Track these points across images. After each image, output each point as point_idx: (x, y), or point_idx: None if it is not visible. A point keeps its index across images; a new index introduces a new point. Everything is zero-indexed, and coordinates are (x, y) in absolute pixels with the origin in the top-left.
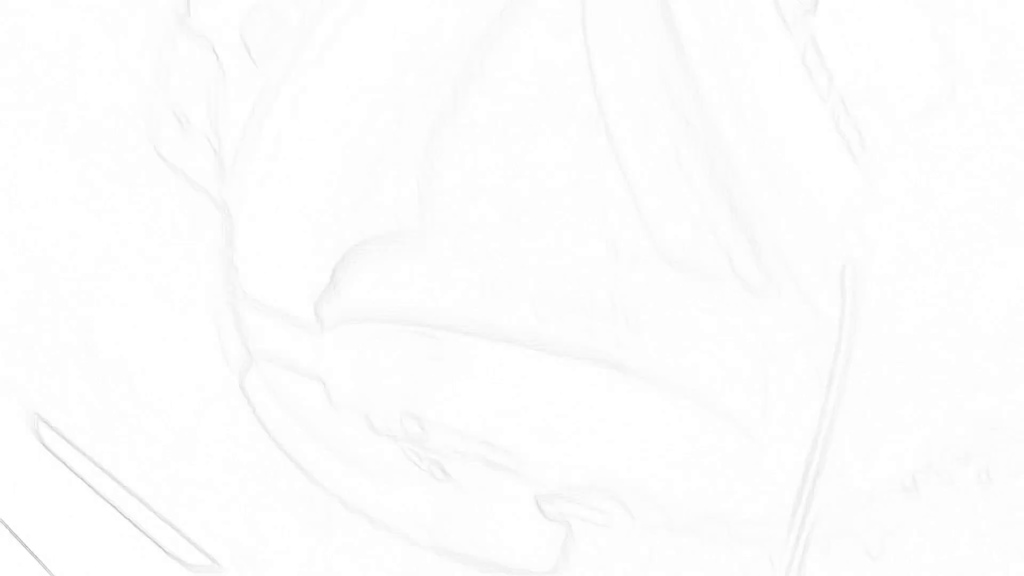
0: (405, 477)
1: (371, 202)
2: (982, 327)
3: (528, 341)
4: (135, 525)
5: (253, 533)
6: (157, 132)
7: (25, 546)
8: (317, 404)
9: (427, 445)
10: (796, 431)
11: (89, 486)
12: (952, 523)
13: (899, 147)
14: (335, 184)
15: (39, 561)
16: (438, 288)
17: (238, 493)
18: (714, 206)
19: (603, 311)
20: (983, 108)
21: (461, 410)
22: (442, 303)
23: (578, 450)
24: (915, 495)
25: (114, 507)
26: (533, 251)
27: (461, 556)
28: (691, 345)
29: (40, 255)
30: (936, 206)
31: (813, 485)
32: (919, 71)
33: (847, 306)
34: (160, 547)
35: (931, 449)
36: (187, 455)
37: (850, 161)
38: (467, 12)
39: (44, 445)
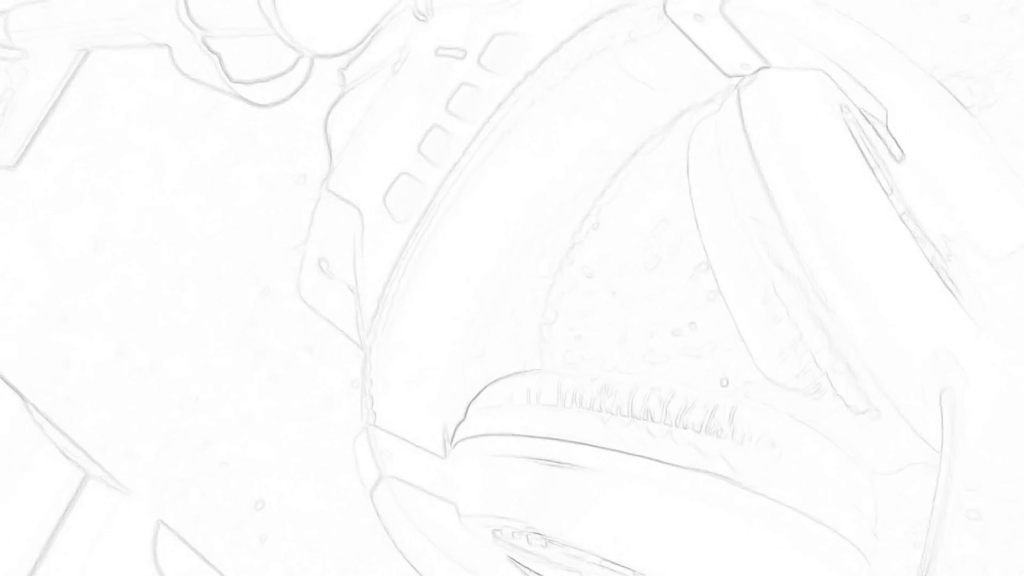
0: None
1: (494, 342)
2: None
3: (641, 453)
4: None
5: None
6: (303, 279)
7: None
8: (441, 519)
9: (550, 558)
10: (905, 550)
11: None
12: None
13: (996, 281)
14: (462, 326)
15: None
16: (562, 410)
17: None
18: (811, 336)
19: (711, 428)
20: None
21: (581, 526)
22: (566, 422)
23: (693, 565)
24: None
25: None
26: (645, 375)
27: None
28: (795, 461)
29: (185, 388)
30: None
31: None
32: (1009, 210)
33: (947, 430)
34: None
35: None
36: (314, 566)
37: (945, 293)
38: (585, 170)
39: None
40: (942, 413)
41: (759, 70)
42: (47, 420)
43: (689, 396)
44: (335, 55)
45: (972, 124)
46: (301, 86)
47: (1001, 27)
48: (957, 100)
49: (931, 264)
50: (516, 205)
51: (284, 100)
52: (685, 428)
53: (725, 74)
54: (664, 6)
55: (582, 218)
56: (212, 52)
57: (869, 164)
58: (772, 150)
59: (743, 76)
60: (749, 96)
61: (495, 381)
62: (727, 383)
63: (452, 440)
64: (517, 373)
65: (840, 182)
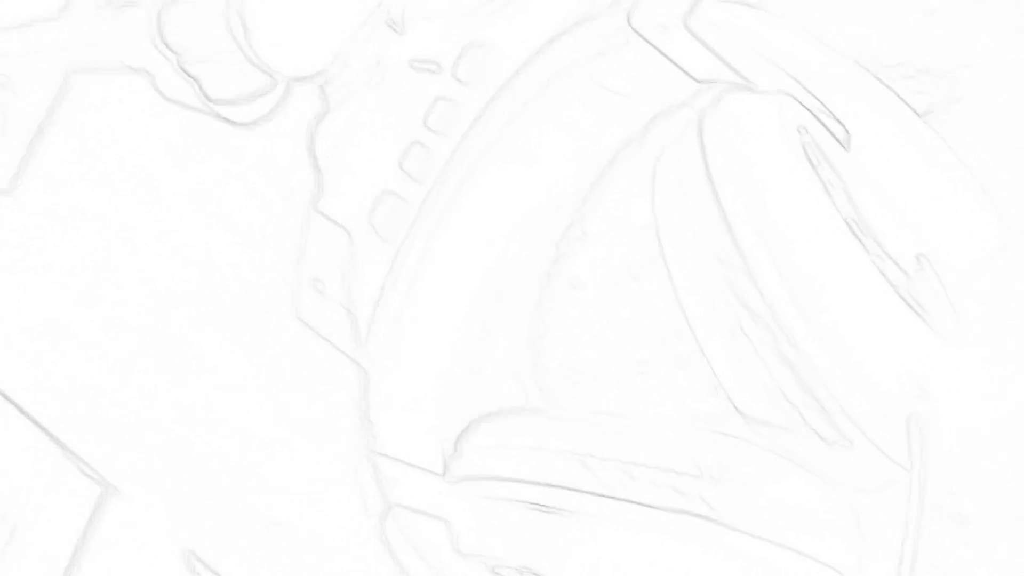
0: None
1: (489, 357)
2: None
3: (624, 496)
4: None
5: None
6: (299, 300)
7: None
8: (446, 548)
9: None
10: (887, 570)
11: None
12: None
13: (962, 291)
14: (455, 345)
15: None
16: (546, 454)
17: None
18: (780, 373)
19: (688, 470)
20: None
21: (571, 563)
22: (550, 467)
23: None
24: None
25: None
26: (625, 416)
27: None
28: (773, 494)
29: (193, 409)
30: (1001, 350)
31: None
32: (972, 222)
33: (916, 454)
34: None
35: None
36: None
37: (908, 316)
38: (564, 180)
39: None
40: (909, 438)
41: (723, 92)
42: (55, 441)
43: (666, 437)
44: (307, 77)
45: (932, 137)
46: (279, 105)
47: (967, 19)
48: (915, 112)
49: (894, 286)
50: (499, 219)
51: (263, 119)
52: (663, 471)
53: (695, 79)
54: (629, 19)
55: (566, 228)
56: (190, 76)
57: (827, 189)
58: (732, 188)
59: (713, 82)
60: (710, 127)
61: (486, 416)
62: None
63: (447, 474)
64: (505, 412)
65: (798, 217)
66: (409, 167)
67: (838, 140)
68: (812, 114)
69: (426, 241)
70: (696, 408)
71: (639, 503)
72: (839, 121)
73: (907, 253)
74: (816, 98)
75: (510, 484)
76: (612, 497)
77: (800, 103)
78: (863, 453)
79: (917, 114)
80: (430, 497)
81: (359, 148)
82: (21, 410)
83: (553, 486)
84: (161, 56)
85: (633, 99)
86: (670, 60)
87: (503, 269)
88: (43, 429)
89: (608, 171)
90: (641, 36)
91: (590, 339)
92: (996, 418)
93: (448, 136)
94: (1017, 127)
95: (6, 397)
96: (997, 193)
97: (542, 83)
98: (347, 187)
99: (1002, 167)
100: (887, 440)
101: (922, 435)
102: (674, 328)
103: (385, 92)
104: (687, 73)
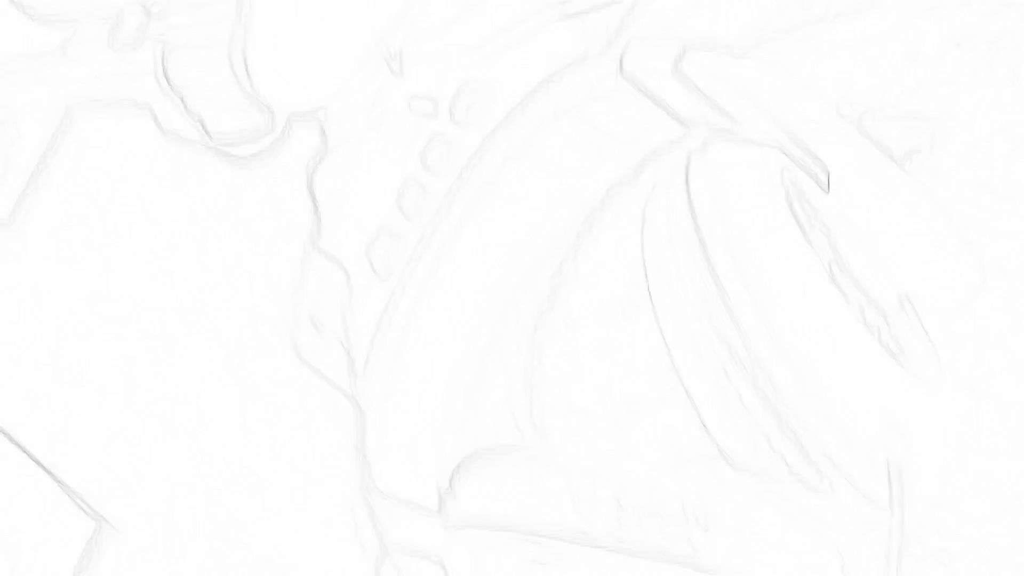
0: None
1: (485, 393)
2: None
3: (613, 545)
4: None
5: None
6: (296, 337)
7: None
8: None
9: None
10: None
11: None
12: None
13: (940, 336)
14: (450, 382)
15: None
16: (537, 501)
17: None
18: (763, 418)
19: (676, 516)
20: (1016, 296)
21: None
22: (541, 513)
23: None
24: None
25: None
26: (615, 462)
27: None
28: (759, 540)
29: (188, 446)
30: (980, 393)
31: None
32: (948, 268)
33: (895, 495)
34: None
35: None
36: None
37: (886, 361)
38: (558, 219)
39: None
40: (889, 480)
41: (710, 137)
42: (51, 475)
43: (653, 484)
44: (306, 112)
45: (912, 183)
46: (278, 142)
47: (949, 65)
48: (894, 158)
49: (875, 331)
50: (493, 257)
51: (263, 156)
52: (652, 516)
53: (684, 124)
54: (620, 64)
55: (560, 266)
56: (192, 114)
57: (807, 235)
58: (716, 233)
59: (700, 125)
60: (695, 172)
61: (479, 453)
62: (684, 458)
63: (442, 514)
64: (498, 451)
65: (779, 263)
66: (405, 205)
67: (819, 185)
68: (794, 160)
69: (422, 279)
70: (686, 448)
71: (630, 552)
72: (821, 166)
73: (888, 298)
74: (798, 144)
75: (504, 537)
76: (598, 547)
77: (783, 149)
78: (846, 497)
79: (896, 161)
80: (426, 537)
81: (357, 186)
82: (17, 444)
83: (545, 537)
84: (164, 93)
85: (625, 141)
86: (659, 104)
87: (498, 307)
88: (39, 463)
89: (601, 210)
90: (631, 81)
91: (583, 377)
92: (977, 460)
93: (444, 175)
94: (995, 172)
95: (2, 431)
96: (975, 238)
97: (536, 124)
98: (345, 225)
99: (980, 211)
100: (868, 483)
101: (902, 478)
102: (666, 366)
103: (383, 132)
104: (676, 117)
